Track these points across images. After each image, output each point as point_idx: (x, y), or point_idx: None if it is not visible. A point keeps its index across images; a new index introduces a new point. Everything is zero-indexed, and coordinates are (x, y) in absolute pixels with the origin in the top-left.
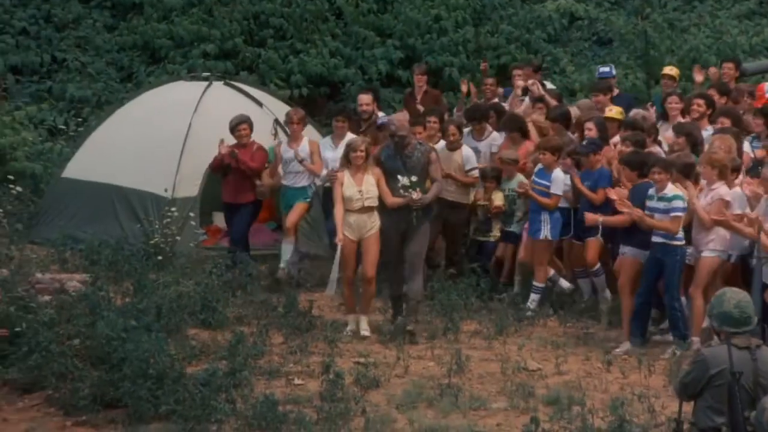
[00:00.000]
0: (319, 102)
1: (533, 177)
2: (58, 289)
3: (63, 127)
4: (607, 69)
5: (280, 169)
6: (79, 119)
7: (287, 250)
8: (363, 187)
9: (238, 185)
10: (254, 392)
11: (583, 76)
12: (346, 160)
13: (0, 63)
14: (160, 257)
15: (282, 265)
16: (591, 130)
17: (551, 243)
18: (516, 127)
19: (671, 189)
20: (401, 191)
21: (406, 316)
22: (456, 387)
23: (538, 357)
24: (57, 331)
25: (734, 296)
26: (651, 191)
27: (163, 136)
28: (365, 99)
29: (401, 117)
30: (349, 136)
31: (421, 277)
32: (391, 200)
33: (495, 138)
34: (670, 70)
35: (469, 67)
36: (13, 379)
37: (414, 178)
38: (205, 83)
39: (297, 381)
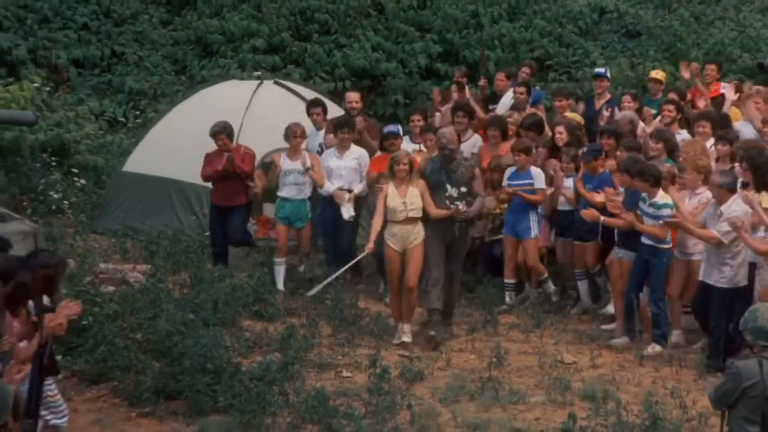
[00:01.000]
0: (363, 95)
1: (506, 181)
2: (121, 280)
3: (122, 119)
4: (602, 70)
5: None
6: (137, 111)
7: (281, 272)
8: (407, 199)
9: (231, 189)
10: (306, 385)
11: (613, 69)
12: (391, 173)
13: (63, 56)
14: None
15: (280, 288)
16: (562, 134)
17: (539, 240)
18: (498, 129)
19: (661, 196)
20: (448, 202)
21: (436, 325)
22: (496, 380)
23: (573, 350)
24: (120, 324)
25: (767, 312)
26: (643, 195)
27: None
28: (354, 97)
29: (451, 131)
30: (353, 147)
31: (457, 290)
32: (436, 212)
33: (477, 140)
34: (656, 74)
35: (505, 60)
36: (81, 371)
37: (463, 189)
38: (257, 82)
39: (345, 373)
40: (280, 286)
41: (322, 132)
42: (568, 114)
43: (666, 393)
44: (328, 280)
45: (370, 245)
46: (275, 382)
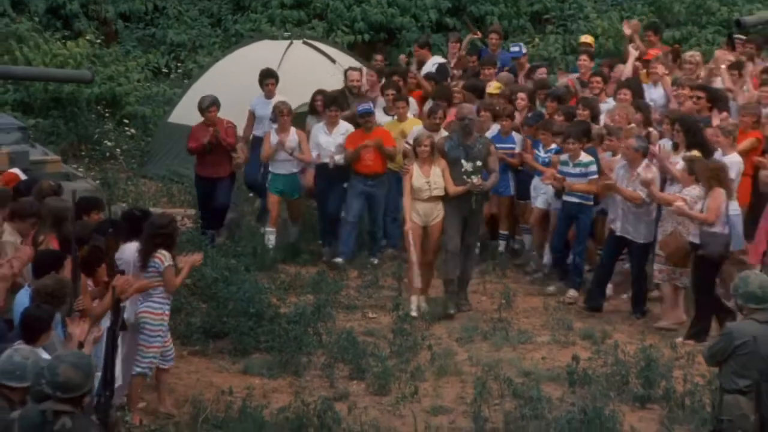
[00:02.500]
0: (378, 47)
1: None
2: None
3: (165, 70)
4: (517, 48)
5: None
6: (178, 63)
7: (272, 234)
8: (431, 178)
9: (217, 161)
10: (336, 326)
11: (605, 22)
12: (414, 154)
13: (111, 10)
14: (251, 194)
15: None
16: (523, 100)
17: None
18: (444, 97)
19: (585, 156)
20: (464, 176)
21: (455, 296)
22: (506, 321)
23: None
24: None
25: (757, 278)
26: (564, 158)
27: (253, 87)
28: (355, 75)
29: (470, 105)
30: (341, 123)
31: (474, 261)
32: (454, 189)
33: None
34: (585, 38)
35: (507, 15)
36: None
37: (478, 164)
38: (287, 42)
39: (371, 314)
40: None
41: (273, 100)
42: (490, 85)
43: (657, 334)
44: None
45: (408, 225)
46: (309, 324)
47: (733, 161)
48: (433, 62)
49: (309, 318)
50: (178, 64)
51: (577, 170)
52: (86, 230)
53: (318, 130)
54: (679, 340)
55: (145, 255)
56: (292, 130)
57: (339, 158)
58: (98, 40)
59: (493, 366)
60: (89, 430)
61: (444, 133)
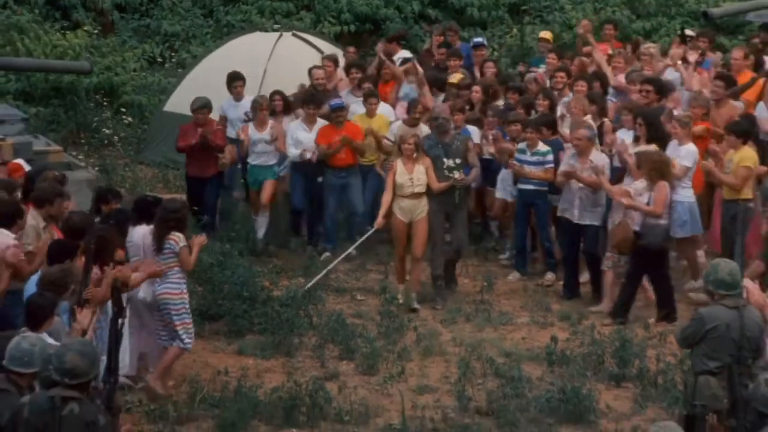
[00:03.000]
0: (365, 37)
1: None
2: None
3: (160, 59)
4: (480, 39)
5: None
6: (172, 53)
7: (263, 224)
8: (414, 175)
9: (204, 161)
10: (326, 308)
11: (579, 14)
12: (399, 151)
13: (107, 1)
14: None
15: (260, 237)
16: (477, 93)
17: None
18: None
19: (542, 145)
20: (446, 172)
21: (439, 293)
22: (487, 303)
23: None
24: None
25: (727, 266)
26: (522, 146)
27: (248, 73)
28: (319, 74)
29: (443, 105)
30: (319, 121)
31: (461, 254)
32: (437, 185)
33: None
34: (544, 34)
35: (486, 6)
36: None
37: (458, 161)
38: (277, 34)
39: (359, 297)
40: (261, 236)
41: (242, 102)
42: (454, 75)
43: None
44: (330, 266)
45: (379, 220)
46: (301, 307)
47: (689, 151)
48: (399, 56)
49: (300, 301)
50: (172, 54)
51: (534, 158)
52: (88, 221)
53: (297, 127)
54: (652, 320)
55: (160, 238)
56: (269, 124)
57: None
58: (95, 31)
59: (476, 346)
60: (95, 415)
61: (424, 128)
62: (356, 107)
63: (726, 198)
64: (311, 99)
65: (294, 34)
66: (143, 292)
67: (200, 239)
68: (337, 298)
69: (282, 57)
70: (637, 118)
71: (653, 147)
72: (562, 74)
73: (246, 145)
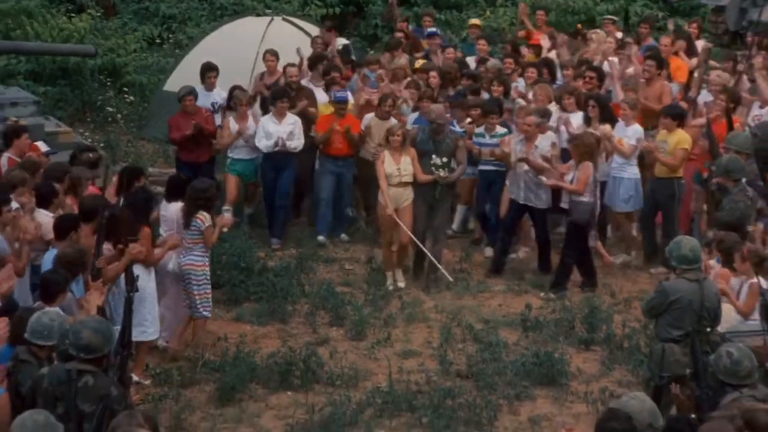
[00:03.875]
0: (349, 18)
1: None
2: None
3: (158, 41)
4: (433, 29)
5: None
6: (170, 34)
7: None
8: (401, 166)
9: (198, 147)
10: (317, 277)
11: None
12: (387, 142)
13: None
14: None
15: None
16: (435, 78)
17: None
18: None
19: (500, 128)
20: (432, 169)
21: (430, 273)
22: (466, 272)
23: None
24: None
25: (688, 243)
26: (480, 130)
27: (239, 59)
28: (293, 71)
29: (440, 107)
30: (289, 115)
31: (442, 246)
32: (422, 177)
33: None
34: (474, 21)
35: None
36: None
37: (445, 159)
38: (269, 19)
39: (347, 266)
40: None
41: (214, 92)
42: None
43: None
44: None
45: (389, 209)
46: (294, 276)
47: (635, 130)
48: (339, 44)
49: (293, 271)
50: (170, 36)
51: (493, 141)
52: (99, 202)
53: (267, 120)
54: (544, 294)
55: (188, 215)
56: (250, 119)
57: (296, 144)
58: (98, 14)
59: (456, 313)
60: (108, 387)
61: (393, 120)
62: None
63: (660, 176)
64: (283, 94)
65: (284, 19)
66: (172, 263)
67: (225, 220)
68: (327, 268)
69: (273, 41)
70: (590, 101)
71: (607, 126)
72: (510, 60)
73: (228, 140)
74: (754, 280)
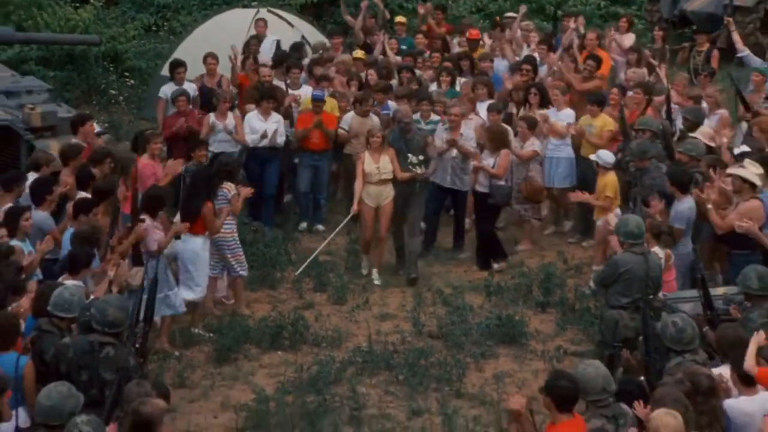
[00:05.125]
0: (326, 7)
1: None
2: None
3: (154, 28)
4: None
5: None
6: (165, 22)
7: None
8: (380, 165)
9: (187, 145)
10: (302, 246)
11: None
12: (367, 142)
13: None
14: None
15: None
16: (372, 75)
17: None
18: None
19: (434, 116)
20: (410, 167)
21: (408, 268)
22: (435, 242)
23: None
24: None
25: (634, 220)
26: (416, 116)
27: (227, 48)
28: (266, 71)
29: (406, 108)
30: (273, 114)
31: (419, 237)
32: (401, 175)
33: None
34: (400, 18)
35: None
36: None
37: (421, 157)
38: (254, 10)
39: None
40: None
41: (185, 85)
42: (357, 52)
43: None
44: (315, 253)
45: (355, 206)
46: (282, 247)
47: (567, 114)
48: (270, 41)
49: (281, 242)
50: (165, 23)
51: (428, 127)
52: (113, 184)
53: (252, 117)
54: (496, 266)
55: (215, 186)
56: (230, 114)
57: (281, 140)
58: (100, 4)
59: (427, 280)
60: (127, 357)
61: (374, 118)
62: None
63: (586, 156)
64: (269, 94)
65: (269, 10)
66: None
67: (247, 190)
68: (311, 238)
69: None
70: (531, 89)
71: (544, 111)
72: (437, 55)
73: (206, 133)
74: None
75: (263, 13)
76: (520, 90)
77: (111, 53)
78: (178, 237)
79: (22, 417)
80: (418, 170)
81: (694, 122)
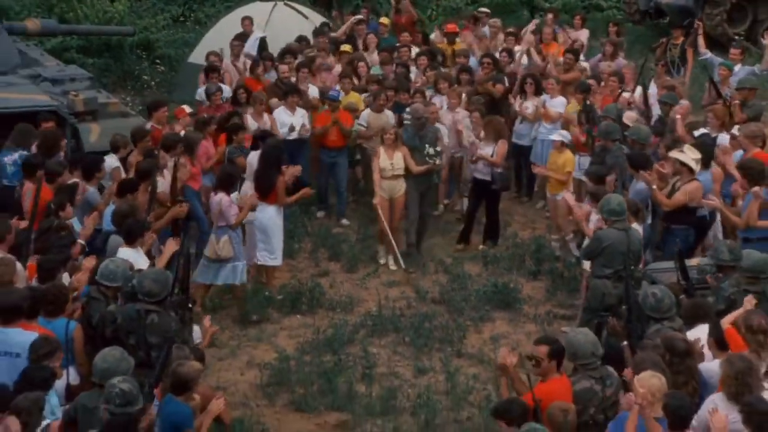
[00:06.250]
0: None
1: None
2: None
3: (182, 19)
4: (360, 16)
5: None
6: (191, 12)
7: None
8: (394, 161)
9: None
10: (318, 220)
11: None
12: (381, 140)
13: None
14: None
15: None
16: (362, 68)
17: None
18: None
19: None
20: (427, 158)
21: (411, 236)
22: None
23: None
24: None
25: (615, 198)
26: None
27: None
28: (285, 69)
29: (422, 106)
30: (298, 108)
31: (428, 226)
32: (416, 169)
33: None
34: (383, 20)
35: None
36: None
37: (438, 149)
38: (273, 3)
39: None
40: None
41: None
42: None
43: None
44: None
45: (377, 199)
46: (299, 219)
47: (560, 102)
48: (254, 37)
49: (298, 215)
50: (191, 14)
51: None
52: (153, 165)
53: (280, 111)
54: (481, 246)
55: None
56: (265, 115)
57: (305, 132)
58: None
59: (430, 249)
60: (169, 323)
61: (389, 113)
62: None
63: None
64: (293, 90)
65: (285, 4)
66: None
67: (295, 169)
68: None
69: (276, 24)
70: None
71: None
72: (405, 48)
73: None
74: None
75: (280, 6)
76: (482, 83)
77: (143, 42)
78: (253, 210)
79: (72, 375)
80: (436, 161)
81: (670, 104)
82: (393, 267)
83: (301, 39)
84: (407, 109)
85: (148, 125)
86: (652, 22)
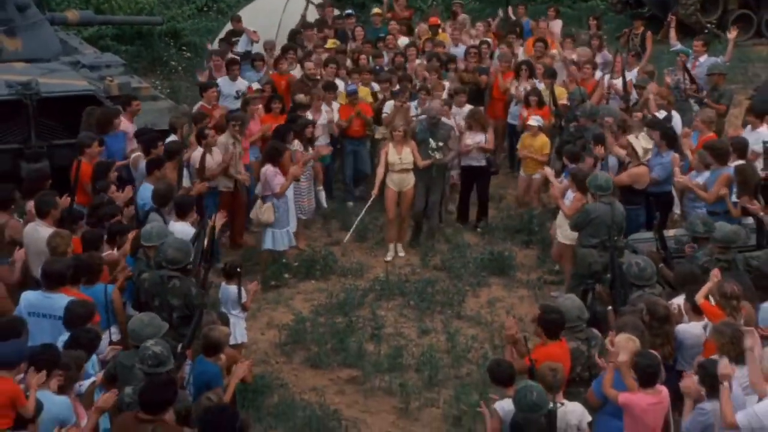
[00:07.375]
0: None
1: None
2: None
3: (205, 8)
4: (350, 11)
5: None
6: (213, 3)
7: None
8: (402, 155)
9: None
10: (331, 194)
11: None
12: (391, 135)
13: None
14: None
15: None
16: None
17: None
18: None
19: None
20: (429, 152)
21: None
22: None
23: None
24: None
25: (602, 176)
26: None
27: (266, 25)
28: (310, 65)
29: (438, 105)
30: (324, 107)
31: (437, 218)
32: (422, 163)
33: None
34: (377, 11)
35: None
36: None
37: (440, 143)
38: None
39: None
40: None
41: (238, 81)
42: (333, 42)
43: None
44: (353, 227)
45: (375, 190)
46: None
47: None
48: (245, 37)
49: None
50: (214, 4)
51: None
52: (180, 146)
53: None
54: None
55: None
56: (323, 107)
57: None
58: None
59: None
60: (189, 288)
61: (411, 104)
62: None
63: None
64: (330, 87)
65: None
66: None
67: (322, 150)
68: (336, 191)
69: (291, 12)
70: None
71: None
72: (392, 37)
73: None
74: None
75: None
76: (471, 73)
77: (171, 31)
78: (297, 180)
79: (115, 333)
80: (437, 155)
81: (642, 86)
82: (402, 255)
83: (294, 34)
84: (417, 106)
85: (198, 105)
86: (631, 12)
